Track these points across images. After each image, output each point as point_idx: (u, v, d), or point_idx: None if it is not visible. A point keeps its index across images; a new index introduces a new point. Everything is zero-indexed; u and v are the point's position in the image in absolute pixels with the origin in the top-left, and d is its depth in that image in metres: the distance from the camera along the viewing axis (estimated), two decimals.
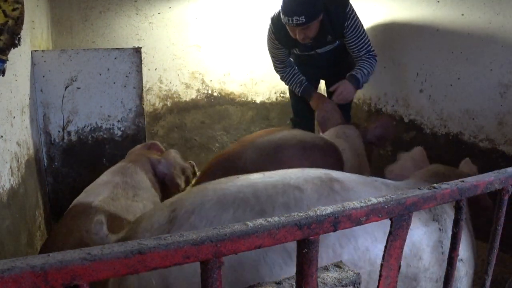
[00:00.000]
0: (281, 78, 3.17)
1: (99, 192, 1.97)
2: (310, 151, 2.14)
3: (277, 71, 3.14)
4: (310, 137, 2.28)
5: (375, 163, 3.56)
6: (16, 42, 1.71)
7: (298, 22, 2.56)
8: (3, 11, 1.62)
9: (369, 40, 2.86)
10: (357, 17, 2.80)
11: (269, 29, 2.92)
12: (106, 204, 1.86)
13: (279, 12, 2.72)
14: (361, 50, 2.84)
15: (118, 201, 1.92)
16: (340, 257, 1.17)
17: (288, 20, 2.58)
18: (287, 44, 2.91)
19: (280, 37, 2.86)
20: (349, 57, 3.01)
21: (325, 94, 3.44)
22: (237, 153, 2.12)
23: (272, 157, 2.07)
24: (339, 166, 2.19)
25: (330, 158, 2.18)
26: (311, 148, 2.15)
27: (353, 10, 2.78)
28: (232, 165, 2.04)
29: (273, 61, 3.09)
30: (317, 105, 2.96)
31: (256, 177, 1.30)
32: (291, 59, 3.12)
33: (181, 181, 2.28)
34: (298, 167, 1.70)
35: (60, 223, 1.83)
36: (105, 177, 2.12)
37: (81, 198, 1.97)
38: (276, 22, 2.82)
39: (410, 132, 3.18)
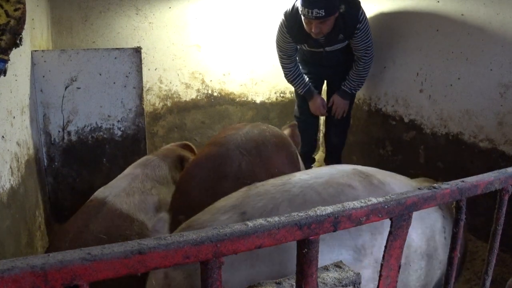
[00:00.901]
0: (285, 75, 3.22)
1: (116, 186, 1.96)
2: (285, 144, 2.07)
3: (282, 67, 3.19)
4: (277, 131, 2.14)
5: (374, 163, 3.56)
6: (18, 42, 1.72)
7: (318, 15, 2.63)
8: (5, 12, 1.62)
9: (372, 42, 3.00)
10: (367, 20, 2.93)
11: (281, 23, 2.97)
12: (119, 200, 1.85)
13: (293, 7, 2.84)
14: (362, 50, 2.99)
15: (133, 196, 1.91)
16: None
17: (308, 12, 2.64)
18: (298, 39, 2.97)
19: (293, 32, 2.92)
20: (353, 60, 3.10)
21: (326, 94, 3.46)
22: (221, 157, 1.83)
23: (259, 154, 1.88)
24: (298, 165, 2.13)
25: (294, 152, 2.12)
26: (284, 141, 2.08)
27: (364, 13, 2.89)
28: (222, 169, 1.79)
29: (279, 55, 3.14)
30: (314, 110, 3.24)
31: (306, 177, 1.32)
32: (296, 57, 3.17)
33: None
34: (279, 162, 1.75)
35: (72, 219, 1.81)
36: (128, 170, 2.13)
37: (99, 192, 1.97)
38: (289, 17, 2.90)
39: (410, 132, 3.17)
